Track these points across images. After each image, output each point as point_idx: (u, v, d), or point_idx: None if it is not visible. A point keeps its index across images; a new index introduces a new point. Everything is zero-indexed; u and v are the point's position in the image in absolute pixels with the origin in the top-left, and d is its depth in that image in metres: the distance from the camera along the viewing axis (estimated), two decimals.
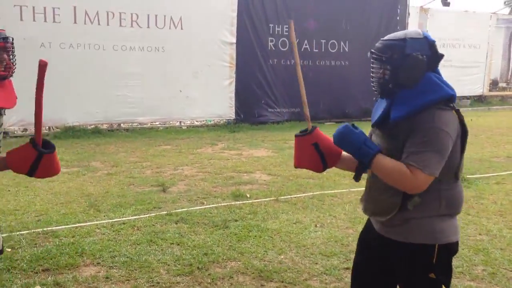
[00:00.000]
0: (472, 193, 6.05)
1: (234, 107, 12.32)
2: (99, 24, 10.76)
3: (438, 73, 2.14)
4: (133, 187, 6.22)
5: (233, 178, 6.76)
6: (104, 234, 4.55)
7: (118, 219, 4.95)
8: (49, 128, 10.37)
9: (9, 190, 5.68)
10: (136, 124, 11.46)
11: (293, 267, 3.90)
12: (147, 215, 5.08)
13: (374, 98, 2.39)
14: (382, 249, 2.24)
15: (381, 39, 2.20)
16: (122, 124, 11.28)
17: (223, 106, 12.22)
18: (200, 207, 5.39)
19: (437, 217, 2.10)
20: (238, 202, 5.57)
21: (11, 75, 2.64)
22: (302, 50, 13.20)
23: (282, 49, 12.94)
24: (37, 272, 3.69)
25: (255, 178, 6.81)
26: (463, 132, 2.09)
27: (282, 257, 4.10)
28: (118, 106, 10.98)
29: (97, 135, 10.25)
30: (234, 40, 12.19)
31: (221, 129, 11.58)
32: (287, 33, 12.95)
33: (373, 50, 2.17)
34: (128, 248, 4.21)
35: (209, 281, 3.66)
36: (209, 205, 5.50)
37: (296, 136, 2.29)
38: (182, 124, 12.06)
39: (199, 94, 11.81)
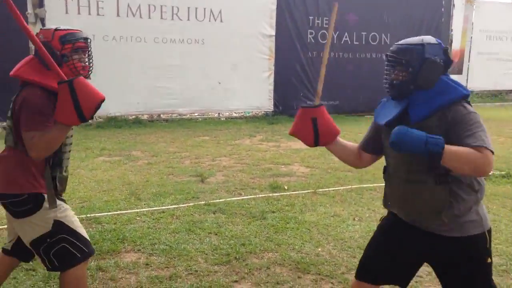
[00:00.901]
0: None
1: (272, 99, 12.33)
2: (141, 17, 10.95)
3: (448, 76, 2.29)
4: (172, 177, 6.33)
5: (271, 169, 6.77)
6: (144, 222, 4.65)
7: (157, 208, 5.04)
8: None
9: None
10: (176, 115, 11.64)
11: (330, 260, 3.88)
12: (186, 205, 5.15)
13: (384, 99, 2.40)
14: (424, 245, 2.29)
15: (396, 43, 2.34)
16: (162, 115, 11.49)
17: (262, 98, 12.24)
18: (237, 198, 5.43)
19: (478, 206, 2.25)
20: (276, 194, 5.58)
21: (88, 76, 2.66)
22: (342, 42, 13.06)
23: (322, 42, 12.81)
24: None
25: (293, 170, 6.80)
26: None
27: (319, 249, 4.09)
28: (159, 97, 11.17)
29: (138, 125, 10.47)
30: (274, 33, 12.17)
31: (259, 121, 11.60)
32: (327, 26, 12.82)
33: (390, 53, 2.30)
34: (167, 236, 4.29)
35: (246, 271, 3.68)
36: (246, 196, 5.53)
37: (301, 106, 2.48)
38: (221, 115, 12.15)
39: (238, 86, 11.86)
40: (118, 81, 10.61)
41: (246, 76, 11.95)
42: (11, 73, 2.58)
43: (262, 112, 12.34)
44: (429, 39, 2.29)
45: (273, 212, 4.98)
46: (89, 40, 2.68)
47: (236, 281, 3.53)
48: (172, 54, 11.26)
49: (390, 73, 2.30)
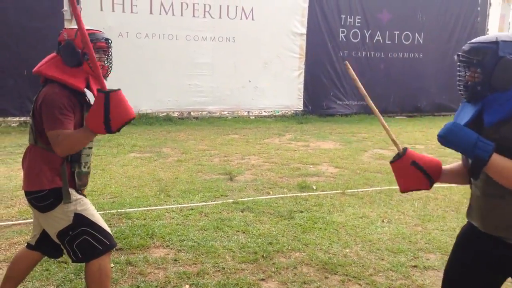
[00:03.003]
0: None
1: (302, 99, 12.29)
2: (173, 14, 11.07)
3: None
4: (201, 175, 6.38)
5: (300, 169, 6.75)
6: (173, 218, 4.70)
7: (186, 205, 5.09)
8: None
9: None
10: (206, 113, 11.72)
11: (358, 262, 3.85)
12: (214, 202, 5.19)
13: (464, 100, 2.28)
14: (502, 257, 2.13)
15: (469, 42, 2.15)
16: (192, 113, 11.59)
17: (292, 97, 12.21)
18: (266, 197, 5.44)
19: None
20: (304, 194, 5.56)
21: (107, 76, 2.72)
22: (374, 41, 12.91)
23: (354, 41, 12.71)
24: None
25: (322, 170, 6.76)
26: None
27: (347, 250, 4.06)
28: (189, 95, 11.27)
29: (168, 122, 10.59)
30: (305, 31, 12.12)
31: (288, 120, 11.57)
32: (359, 25, 12.71)
33: (461, 53, 2.12)
34: (195, 233, 4.33)
35: (273, 270, 3.68)
36: (275, 195, 5.53)
37: (391, 162, 2.29)
38: (250, 114, 12.17)
39: (268, 85, 11.86)
40: (150, 78, 10.77)
41: (276, 75, 11.94)
42: (34, 69, 2.67)
43: (292, 111, 12.31)
44: (504, 36, 2.07)
45: (301, 211, 4.96)
46: (110, 41, 2.74)
47: (263, 279, 3.53)
48: (203, 52, 11.34)
49: (463, 74, 2.13)
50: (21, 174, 6.27)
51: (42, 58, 2.72)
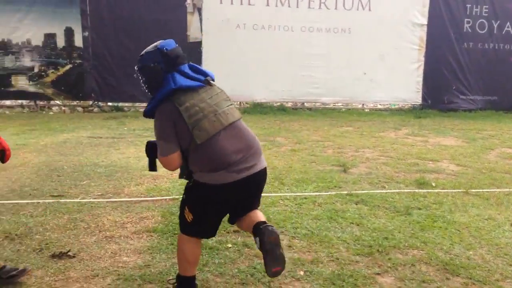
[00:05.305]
0: None
1: (421, 92, 11.77)
2: (289, 6, 11.15)
3: None
4: (314, 165, 6.37)
5: (417, 165, 6.47)
6: (287, 206, 4.76)
7: (300, 194, 5.12)
8: (240, 103, 11.17)
9: None
10: (319, 104, 11.69)
11: (483, 265, 3.60)
12: (328, 193, 5.16)
13: None
14: None
15: None
16: (305, 103, 11.62)
17: (409, 90, 11.74)
18: (381, 191, 5.29)
19: None
20: (423, 190, 5.32)
21: None
22: (503, 33, 11.94)
23: (480, 32, 11.86)
24: (229, 232, 4.03)
25: (442, 167, 6.41)
26: None
27: (470, 253, 3.81)
28: (303, 86, 11.32)
29: (282, 112, 10.72)
30: (425, 22, 11.58)
31: (405, 114, 11.15)
32: (486, 15, 11.82)
33: None
34: (309, 221, 4.34)
35: (389, 265, 3.58)
36: (390, 189, 5.36)
37: None
38: (365, 106, 11.92)
39: (384, 77, 11.52)
40: (265, 69, 10.99)
41: (393, 67, 11.55)
42: None
43: (409, 105, 11.84)
44: None
45: (419, 208, 4.75)
46: None
47: (378, 274, 3.45)
48: (318, 43, 11.31)
49: None
50: None
51: None
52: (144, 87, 2.87)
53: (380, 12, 11.35)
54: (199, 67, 2.95)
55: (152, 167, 2.91)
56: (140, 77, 2.86)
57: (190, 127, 2.68)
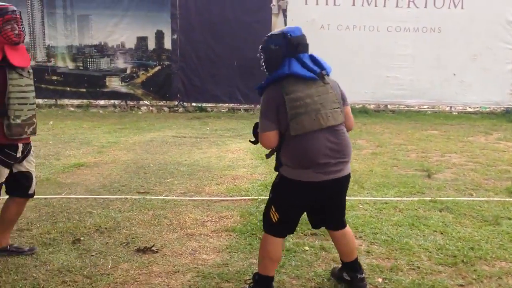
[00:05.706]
0: None
1: None
2: (376, 5, 10.93)
3: None
4: (396, 169, 6.20)
5: (509, 172, 6.08)
6: (366, 210, 4.68)
7: (380, 198, 5.02)
8: None
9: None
10: (403, 106, 11.34)
11: None
12: (410, 199, 5.00)
13: None
14: None
15: None
16: (388, 106, 11.32)
17: (503, 92, 11.07)
18: (468, 198, 5.04)
19: None
20: None
21: (23, 41, 3.29)
22: None
23: None
24: (306, 235, 4.04)
25: None
26: None
27: None
28: (387, 87, 11.04)
29: (364, 114, 10.53)
30: None
31: (497, 117, 10.52)
32: None
33: None
34: (389, 227, 4.24)
35: (474, 277, 3.41)
36: (478, 197, 5.09)
37: None
38: (453, 109, 11.40)
39: (475, 78, 10.94)
40: (348, 69, 10.82)
41: (485, 68, 10.94)
42: None
43: (502, 108, 11.16)
44: None
45: (510, 218, 4.47)
46: (17, 12, 3.25)
47: (462, 286, 3.30)
48: (405, 43, 10.99)
49: None
50: (230, 155, 6.92)
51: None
52: (263, 66, 3.01)
53: (474, 10, 10.81)
54: (319, 59, 3.00)
55: (255, 141, 3.05)
56: (261, 56, 3.00)
57: (289, 117, 2.78)
